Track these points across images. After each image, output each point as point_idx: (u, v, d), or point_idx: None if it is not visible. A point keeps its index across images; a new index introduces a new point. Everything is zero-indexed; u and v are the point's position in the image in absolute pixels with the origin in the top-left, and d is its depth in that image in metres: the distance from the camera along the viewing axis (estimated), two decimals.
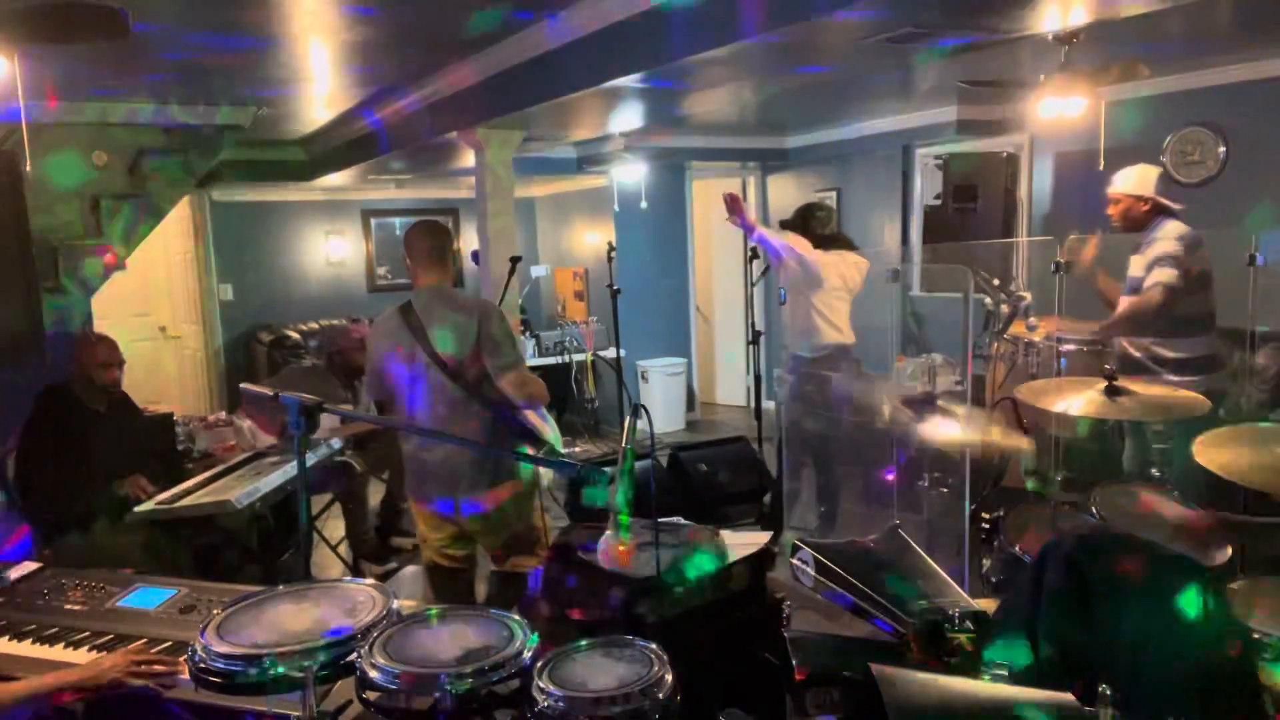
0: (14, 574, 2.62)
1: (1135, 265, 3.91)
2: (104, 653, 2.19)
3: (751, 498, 5.00)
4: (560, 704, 1.48)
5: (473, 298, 4.05)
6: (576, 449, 7.00)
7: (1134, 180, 3.99)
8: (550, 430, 3.35)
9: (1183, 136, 5.36)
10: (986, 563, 2.82)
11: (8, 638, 2.31)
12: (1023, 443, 3.36)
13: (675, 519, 2.31)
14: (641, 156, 7.09)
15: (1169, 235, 3.84)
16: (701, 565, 2.06)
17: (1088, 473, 3.69)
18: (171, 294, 8.63)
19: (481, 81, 4.58)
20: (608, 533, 1.97)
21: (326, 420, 4.49)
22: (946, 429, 3.09)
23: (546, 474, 3.40)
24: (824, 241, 4.71)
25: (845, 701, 1.86)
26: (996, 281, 5.10)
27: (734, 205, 4.54)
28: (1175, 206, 3.97)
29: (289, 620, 1.67)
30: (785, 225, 4.88)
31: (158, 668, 2.03)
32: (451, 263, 3.32)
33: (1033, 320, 4.74)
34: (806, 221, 4.80)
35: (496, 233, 5.34)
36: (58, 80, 4.41)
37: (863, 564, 2.28)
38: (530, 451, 3.18)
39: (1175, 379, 3.71)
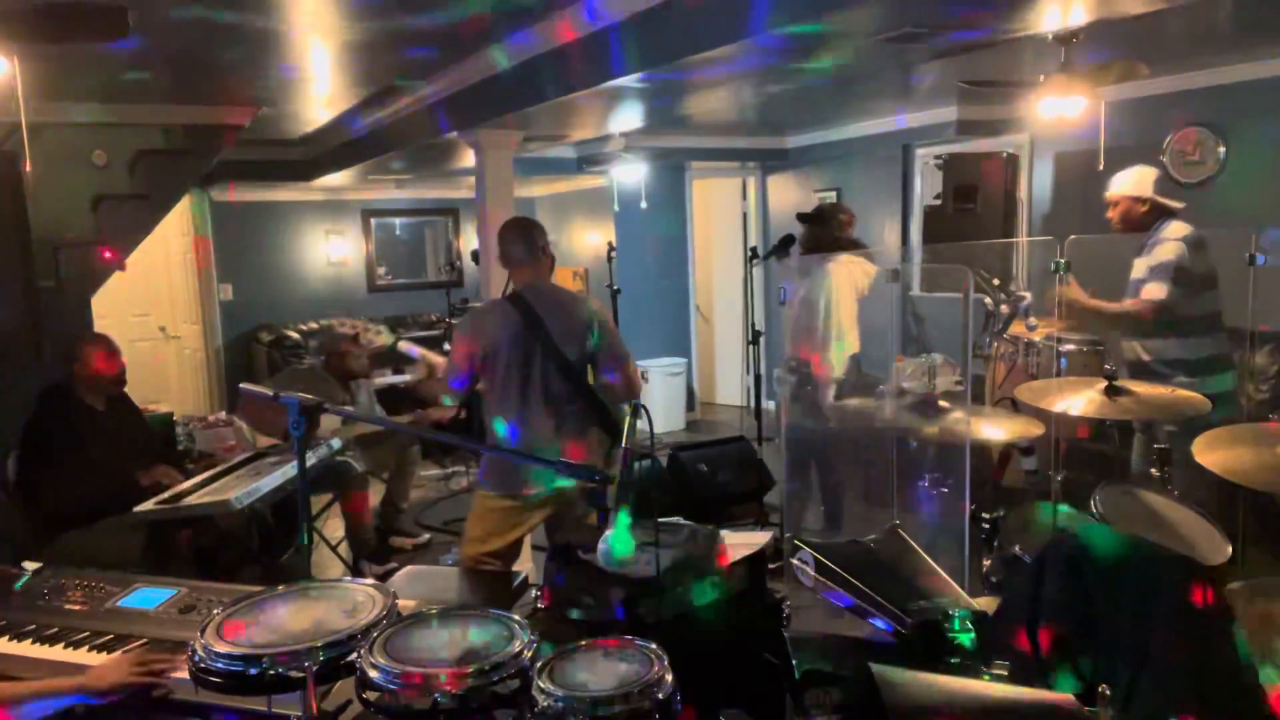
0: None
1: (1139, 267, 3.90)
2: (105, 653, 2.19)
3: (751, 498, 4.99)
4: (560, 704, 1.48)
5: (581, 294, 4.04)
6: None
7: (1132, 181, 3.98)
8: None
9: (1183, 136, 5.36)
10: (986, 563, 2.81)
11: (8, 638, 2.31)
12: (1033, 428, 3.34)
13: (675, 519, 2.31)
14: (641, 156, 7.08)
15: (1173, 236, 3.83)
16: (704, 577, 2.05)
17: (1088, 473, 3.68)
18: (171, 294, 8.63)
19: (481, 81, 4.58)
20: (608, 533, 1.98)
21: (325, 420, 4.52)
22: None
23: None
24: (841, 244, 4.79)
25: (845, 701, 1.86)
26: (996, 281, 5.09)
27: None
28: (1176, 205, 3.96)
29: (289, 620, 1.67)
30: (802, 219, 5.01)
31: (159, 666, 2.04)
32: (542, 258, 3.34)
33: (1033, 320, 4.73)
34: (828, 222, 4.94)
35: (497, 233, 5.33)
36: (58, 80, 4.41)
37: (863, 564, 2.28)
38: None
39: (1186, 380, 3.69)
